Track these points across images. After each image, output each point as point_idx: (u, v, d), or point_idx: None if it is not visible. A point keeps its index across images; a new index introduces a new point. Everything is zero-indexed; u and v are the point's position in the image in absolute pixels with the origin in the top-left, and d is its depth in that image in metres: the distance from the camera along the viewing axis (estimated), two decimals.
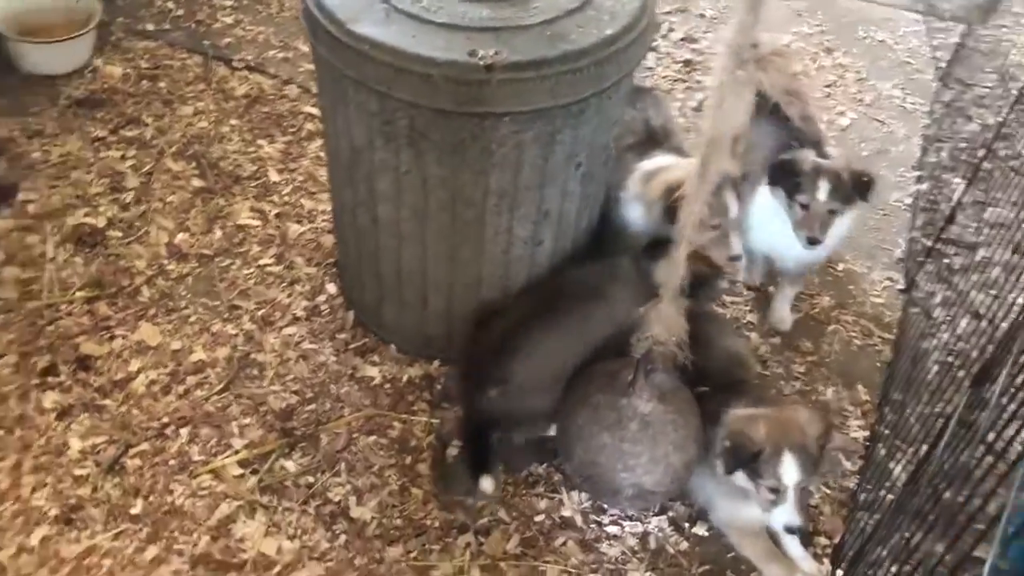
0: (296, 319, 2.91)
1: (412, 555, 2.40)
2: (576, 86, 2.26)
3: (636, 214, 2.75)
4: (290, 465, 2.56)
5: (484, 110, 2.21)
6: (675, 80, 4.04)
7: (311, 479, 2.54)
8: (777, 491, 2.28)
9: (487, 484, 2.48)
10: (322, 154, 3.17)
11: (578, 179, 2.50)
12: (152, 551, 2.37)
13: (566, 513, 2.54)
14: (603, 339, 2.53)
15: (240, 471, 2.54)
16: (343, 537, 2.43)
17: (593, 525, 2.52)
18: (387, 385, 2.77)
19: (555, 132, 2.32)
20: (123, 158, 3.35)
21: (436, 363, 2.81)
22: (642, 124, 2.89)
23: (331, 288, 2.99)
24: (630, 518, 2.54)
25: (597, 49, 2.25)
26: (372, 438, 2.64)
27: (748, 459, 2.28)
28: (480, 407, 2.53)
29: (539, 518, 2.52)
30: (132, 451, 2.56)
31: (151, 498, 2.47)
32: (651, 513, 2.55)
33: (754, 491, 2.32)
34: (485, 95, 2.18)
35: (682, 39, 4.23)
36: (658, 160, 2.76)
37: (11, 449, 2.54)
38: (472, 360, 2.58)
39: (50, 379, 2.70)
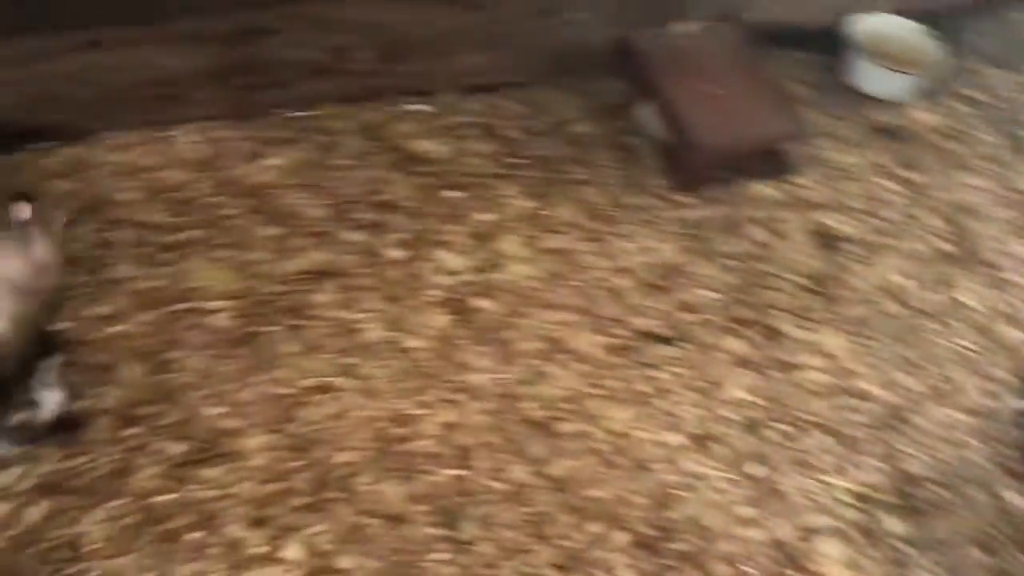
0: (968, 409, 2.91)
1: None
2: None
3: None
4: (893, 525, 2.63)
5: None
6: None
7: (906, 548, 2.58)
8: None
9: None
10: None
11: None
12: (745, 511, 2.62)
13: None
14: None
15: (845, 498, 2.67)
16: None
17: None
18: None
19: None
20: (890, 191, 3.55)
21: None
22: None
23: (1020, 404, 2.91)
24: None
25: None
26: (977, 553, 2.58)
27: None
28: None
29: None
30: (772, 422, 2.81)
31: (766, 470, 2.71)
32: None
33: None
34: None
35: None
36: None
37: (685, 364, 2.93)
38: None
39: (742, 330, 3.04)
